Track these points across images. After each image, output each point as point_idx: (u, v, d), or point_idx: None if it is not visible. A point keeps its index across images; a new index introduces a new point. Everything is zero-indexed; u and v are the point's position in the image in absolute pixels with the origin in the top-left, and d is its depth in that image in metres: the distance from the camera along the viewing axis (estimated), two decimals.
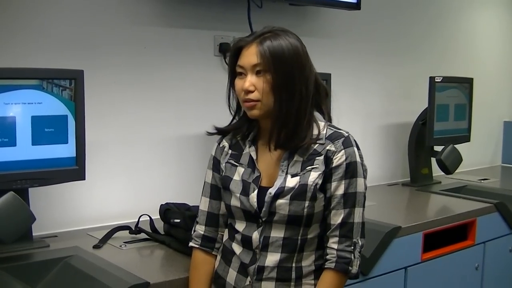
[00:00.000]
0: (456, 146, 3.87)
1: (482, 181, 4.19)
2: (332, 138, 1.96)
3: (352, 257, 1.93)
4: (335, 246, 1.93)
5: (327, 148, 1.94)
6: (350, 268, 1.92)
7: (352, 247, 1.93)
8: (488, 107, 4.79)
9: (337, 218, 1.93)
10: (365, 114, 3.93)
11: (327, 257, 1.94)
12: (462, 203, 3.43)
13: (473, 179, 4.21)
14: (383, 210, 3.21)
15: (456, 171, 3.91)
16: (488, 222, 3.32)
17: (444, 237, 3.10)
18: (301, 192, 1.91)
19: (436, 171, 4.02)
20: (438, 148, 3.87)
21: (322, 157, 1.94)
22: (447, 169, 3.82)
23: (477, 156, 4.73)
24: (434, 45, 4.32)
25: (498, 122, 5.06)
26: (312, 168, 1.93)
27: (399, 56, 4.07)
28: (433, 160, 3.93)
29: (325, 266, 1.93)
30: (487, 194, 3.70)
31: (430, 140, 3.84)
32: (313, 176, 1.92)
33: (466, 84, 4.09)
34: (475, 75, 4.20)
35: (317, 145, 1.95)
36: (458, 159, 3.86)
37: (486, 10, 4.79)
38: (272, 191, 1.93)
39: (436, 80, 3.79)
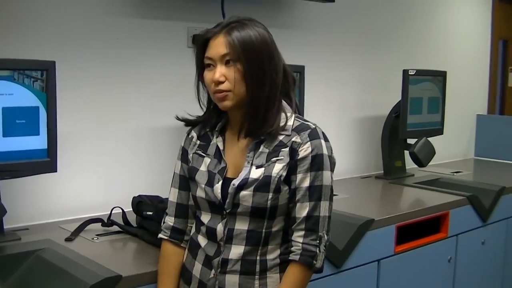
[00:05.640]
0: (429, 139, 3.89)
1: (455, 174, 4.22)
2: (298, 129, 1.95)
3: (317, 251, 1.91)
4: (300, 239, 1.91)
5: (293, 139, 1.93)
6: (314, 262, 1.91)
7: (318, 241, 1.91)
8: (461, 100, 4.82)
9: (302, 211, 1.91)
10: (339, 106, 3.93)
11: (292, 249, 1.92)
12: (435, 196, 3.45)
13: (446, 172, 4.23)
14: (356, 203, 3.23)
15: (429, 164, 3.92)
16: (461, 215, 3.35)
17: (417, 229, 3.11)
18: (265, 183, 1.90)
19: (409, 164, 4.04)
20: (411, 141, 3.89)
21: (287, 149, 1.92)
22: (420, 162, 3.84)
23: (450, 149, 4.77)
24: (408, 38, 4.33)
25: (471, 115, 5.10)
26: (277, 160, 1.92)
27: (373, 48, 4.08)
28: (406, 153, 3.95)
29: (290, 258, 1.92)
30: (460, 187, 3.72)
31: (403, 133, 3.86)
32: (278, 168, 1.91)
33: (439, 77, 4.11)
34: (448, 68, 4.22)
35: (283, 136, 1.94)
36: (431, 152, 3.88)
37: (459, 3, 4.82)
38: (235, 182, 1.92)
39: (409, 73, 3.81)
